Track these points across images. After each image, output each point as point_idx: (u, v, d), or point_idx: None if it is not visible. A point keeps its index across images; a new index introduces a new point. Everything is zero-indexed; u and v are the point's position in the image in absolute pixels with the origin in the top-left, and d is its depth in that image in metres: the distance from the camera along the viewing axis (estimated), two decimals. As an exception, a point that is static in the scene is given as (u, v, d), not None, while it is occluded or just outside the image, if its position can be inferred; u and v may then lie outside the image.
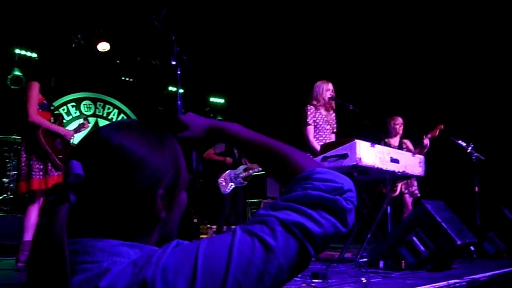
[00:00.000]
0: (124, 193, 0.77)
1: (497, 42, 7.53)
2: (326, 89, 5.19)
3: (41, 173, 3.95)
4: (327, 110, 5.23)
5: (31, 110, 3.98)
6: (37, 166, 3.94)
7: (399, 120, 6.27)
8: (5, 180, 6.13)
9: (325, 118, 5.19)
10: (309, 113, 5.08)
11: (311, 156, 4.97)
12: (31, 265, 0.68)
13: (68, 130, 4.30)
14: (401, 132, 6.29)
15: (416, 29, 7.94)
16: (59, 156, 4.01)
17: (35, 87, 4.09)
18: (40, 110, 4.09)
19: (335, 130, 5.28)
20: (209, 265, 0.69)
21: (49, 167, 3.99)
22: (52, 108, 4.35)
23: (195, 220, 7.43)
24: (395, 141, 6.22)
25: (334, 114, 5.32)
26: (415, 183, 6.23)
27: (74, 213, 0.73)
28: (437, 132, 6.01)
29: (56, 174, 4.00)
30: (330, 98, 5.19)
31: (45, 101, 4.19)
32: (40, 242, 0.68)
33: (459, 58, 7.83)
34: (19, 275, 3.13)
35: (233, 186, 6.80)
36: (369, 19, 8.08)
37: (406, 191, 6.14)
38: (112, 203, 0.77)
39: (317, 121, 5.13)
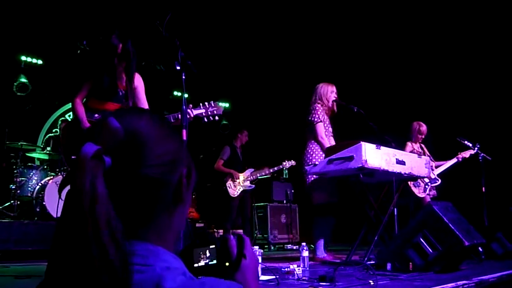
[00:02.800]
0: (145, 175, 0.77)
1: (503, 42, 7.51)
2: (331, 91, 5.20)
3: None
4: (327, 113, 5.24)
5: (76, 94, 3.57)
6: None
7: (423, 129, 6.38)
8: (12, 186, 6.16)
9: (328, 121, 5.21)
10: (319, 111, 5.09)
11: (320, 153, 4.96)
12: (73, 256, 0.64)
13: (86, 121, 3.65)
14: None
15: (421, 29, 7.93)
16: (71, 157, 3.53)
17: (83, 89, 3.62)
18: (110, 101, 3.60)
19: (332, 134, 5.28)
20: None
21: None
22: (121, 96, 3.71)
23: (202, 225, 7.45)
24: (418, 146, 6.36)
25: (328, 120, 5.32)
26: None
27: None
28: (468, 154, 6.37)
29: None
30: (334, 101, 5.19)
31: (122, 90, 3.64)
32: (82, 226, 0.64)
33: (465, 59, 7.81)
34: (23, 282, 3.13)
35: (241, 189, 6.82)
36: (372, 22, 8.08)
37: (430, 193, 6.19)
38: (133, 188, 0.76)
39: (324, 120, 5.13)
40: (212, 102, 3.68)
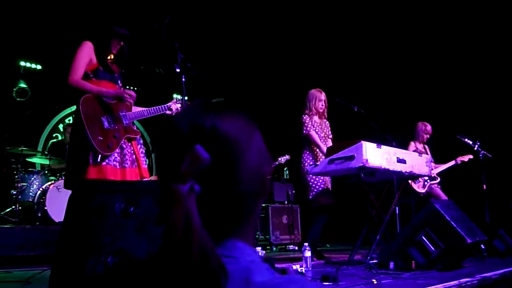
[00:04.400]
0: (236, 191, 0.77)
1: (504, 40, 7.51)
2: (319, 100, 5.31)
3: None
4: (320, 117, 5.32)
5: (72, 71, 3.39)
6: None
7: (428, 129, 6.47)
8: (13, 191, 6.16)
9: (319, 126, 5.28)
10: (306, 123, 5.22)
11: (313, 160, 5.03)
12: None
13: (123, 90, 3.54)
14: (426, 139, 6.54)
15: (421, 28, 7.93)
16: (98, 138, 3.28)
17: (85, 46, 3.48)
18: (93, 78, 3.47)
19: (330, 136, 5.36)
20: None
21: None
22: (116, 79, 3.65)
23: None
24: (421, 146, 6.47)
25: (327, 122, 5.39)
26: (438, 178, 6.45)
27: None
28: (467, 159, 6.47)
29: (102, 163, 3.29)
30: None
31: (101, 68, 3.53)
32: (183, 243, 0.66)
33: (465, 56, 7.81)
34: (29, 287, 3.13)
35: None
36: (373, 21, 8.09)
37: (434, 184, 6.26)
38: (223, 204, 0.76)
39: (314, 128, 5.23)
40: (178, 96, 3.81)
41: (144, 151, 3.70)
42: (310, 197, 5.07)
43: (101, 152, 3.26)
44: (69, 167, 3.42)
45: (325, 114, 5.39)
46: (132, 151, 3.54)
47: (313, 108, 5.28)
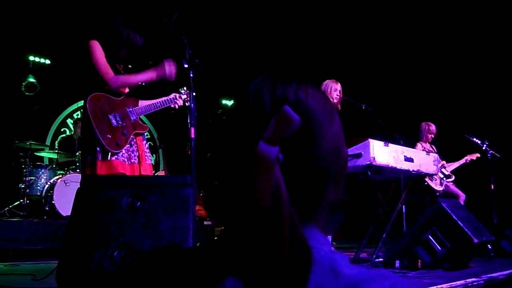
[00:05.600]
0: (315, 168, 0.70)
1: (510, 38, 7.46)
2: (334, 89, 5.15)
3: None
4: None
5: (106, 76, 3.37)
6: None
7: (432, 129, 6.50)
8: (21, 185, 6.20)
9: None
10: None
11: None
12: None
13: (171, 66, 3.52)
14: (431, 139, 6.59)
15: (430, 26, 7.89)
16: (107, 136, 3.30)
17: (97, 47, 3.42)
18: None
19: None
20: None
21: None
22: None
23: (210, 223, 7.46)
24: (428, 146, 6.49)
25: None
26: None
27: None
28: (475, 157, 6.57)
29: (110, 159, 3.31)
30: (343, 99, 5.18)
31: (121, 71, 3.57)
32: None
33: (473, 56, 7.76)
34: (39, 283, 3.15)
35: None
36: (380, 20, 8.05)
37: (450, 182, 6.30)
38: (302, 180, 0.69)
39: None
40: (184, 87, 3.76)
41: (148, 147, 3.71)
42: None
43: (111, 150, 3.28)
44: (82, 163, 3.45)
45: (339, 106, 5.26)
46: (136, 148, 3.55)
47: (329, 97, 5.18)
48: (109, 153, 3.29)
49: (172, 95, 3.75)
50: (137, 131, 3.55)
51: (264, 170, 0.60)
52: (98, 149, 3.27)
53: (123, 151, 3.41)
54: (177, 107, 3.74)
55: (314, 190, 0.71)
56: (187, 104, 3.71)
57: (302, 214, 0.70)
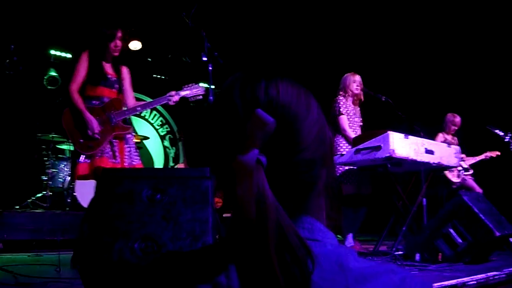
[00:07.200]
0: (299, 160, 0.69)
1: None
2: (353, 81, 5.16)
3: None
4: (354, 103, 5.20)
5: (72, 80, 3.87)
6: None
7: (457, 120, 6.44)
8: (44, 177, 6.31)
9: (353, 111, 5.16)
10: (341, 103, 5.07)
11: (346, 145, 4.94)
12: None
13: (94, 122, 3.75)
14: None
15: (452, 17, 7.77)
16: (79, 140, 3.74)
17: (83, 57, 3.86)
18: (88, 84, 3.85)
19: (361, 124, 5.24)
20: None
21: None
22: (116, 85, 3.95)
23: (229, 215, 7.48)
24: (450, 137, 6.43)
25: (359, 109, 5.28)
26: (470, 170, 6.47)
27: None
28: (495, 155, 6.52)
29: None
30: (361, 90, 5.16)
31: (96, 74, 3.85)
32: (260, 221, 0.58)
33: (495, 45, 7.63)
34: (62, 272, 3.21)
35: None
36: (402, 10, 7.96)
37: (468, 175, 6.27)
38: (288, 176, 0.69)
39: (348, 112, 5.10)
40: (193, 84, 3.97)
41: (132, 150, 3.98)
42: (341, 185, 5.02)
43: (82, 152, 3.73)
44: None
45: (361, 98, 5.22)
46: (118, 149, 3.86)
47: (348, 90, 5.13)
48: (83, 156, 3.75)
49: (168, 94, 3.97)
50: (116, 133, 3.82)
51: (243, 178, 0.60)
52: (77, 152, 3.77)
53: (107, 149, 3.78)
54: (172, 103, 3.94)
55: (303, 183, 0.70)
56: (191, 99, 3.97)
57: (298, 209, 0.70)
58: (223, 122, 0.70)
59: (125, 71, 4.05)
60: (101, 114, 3.78)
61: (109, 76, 3.89)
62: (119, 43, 3.86)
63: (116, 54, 3.90)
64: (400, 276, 0.64)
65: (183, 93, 3.94)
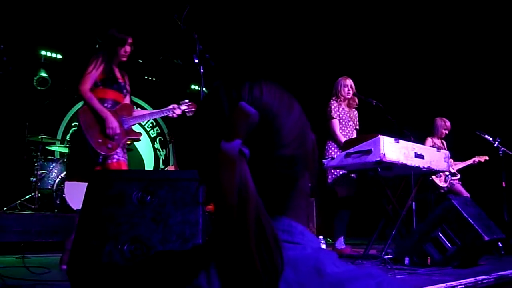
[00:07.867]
0: (280, 156, 0.70)
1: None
2: (344, 85, 5.20)
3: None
4: (349, 106, 5.24)
5: (83, 80, 3.74)
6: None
7: (448, 125, 6.47)
8: (33, 179, 6.26)
9: (348, 114, 5.19)
10: (332, 107, 5.10)
11: (337, 149, 4.97)
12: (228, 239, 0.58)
13: (114, 122, 3.68)
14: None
15: (441, 21, 7.83)
16: (98, 140, 3.60)
17: (96, 59, 3.78)
18: (100, 86, 3.76)
19: (357, 127, 5.27)
20: None
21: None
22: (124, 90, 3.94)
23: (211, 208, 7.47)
24: (439, 141, 6.46)
25: (356, 112, 5.32)
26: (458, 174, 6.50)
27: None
28: (483, 159, 6.57)
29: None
30: (354, 94, 5.19)
31: (108, 77, 3.81)
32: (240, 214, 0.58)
33: (485, 50, 7.69)
34: (50, 275, 3.18)
35: None
36: (391, 15, 8.01)
37: (455, 180, 6.28)
38: (269, 171, 0.69)
39: (341, 115, 5.12)
40: (187, 100, 4.12)
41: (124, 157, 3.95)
42: (336, 188, 5.05)
43: (101, 152, 3.60)
44: (70, 166, 3.74)
45: (356, 101, 5.27)
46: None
47: (340, 95, 5.17)
48: (101, 156, 3.62)
49: (171, 106, 4.03)
50: (130, 137, 3.86)
51: (227, 167, 0.61)
52: (91, 153, 3.60)
53: (121, 152, 3.77)
54: (175, 116, 4.01)
55: (283, 180, 0.71)
56: (187, 114, 4.06)
57: (277, 208, 0.70)
58: (209, 118, 0.72)
59: (126, 77, 4.07)
60: (115, 117, 3.73)
61: (120, 80, 3.91)
62: (128, 48, 3.90)
63: (124, 59, 3.92)
64: (377, 281, 0.64)
65: (183, 107, 4.04)
